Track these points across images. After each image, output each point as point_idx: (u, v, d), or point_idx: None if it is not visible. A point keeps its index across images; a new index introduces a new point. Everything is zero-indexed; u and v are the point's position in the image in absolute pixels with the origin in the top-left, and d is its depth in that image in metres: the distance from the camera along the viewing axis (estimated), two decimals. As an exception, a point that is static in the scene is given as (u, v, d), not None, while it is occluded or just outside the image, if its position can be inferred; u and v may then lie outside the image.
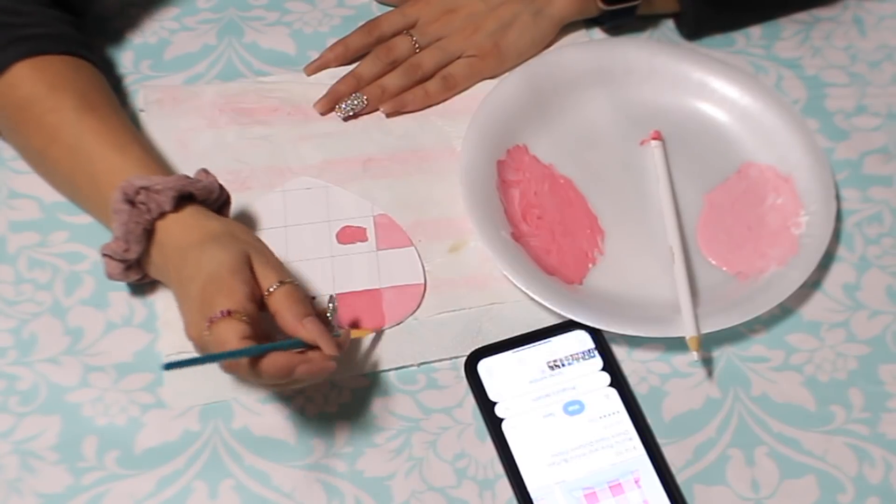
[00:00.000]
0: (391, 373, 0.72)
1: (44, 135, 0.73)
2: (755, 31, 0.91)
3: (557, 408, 0.70)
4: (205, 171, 0.72)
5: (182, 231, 0.68)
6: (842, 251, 0.79)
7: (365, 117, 0.83)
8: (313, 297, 0.74)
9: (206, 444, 0.69)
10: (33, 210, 0.78)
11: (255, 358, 0.62)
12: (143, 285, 0.74)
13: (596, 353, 0.72)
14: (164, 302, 0.74)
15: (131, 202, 0.68)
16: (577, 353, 0.72)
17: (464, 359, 0.72)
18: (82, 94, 0.74)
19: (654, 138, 0.82)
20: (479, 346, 0.73)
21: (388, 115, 0.83)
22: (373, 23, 0.86)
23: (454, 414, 0.71)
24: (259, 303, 0.65)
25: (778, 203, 0.80)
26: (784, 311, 0.76)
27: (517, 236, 0.77)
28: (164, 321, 0.73)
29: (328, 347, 0.64)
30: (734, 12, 0.89)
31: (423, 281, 0.76)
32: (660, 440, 0.70)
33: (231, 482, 0.67)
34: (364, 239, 0.77)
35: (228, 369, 0.64)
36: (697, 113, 0.84)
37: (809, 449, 0.70)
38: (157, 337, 0.73)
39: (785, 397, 0.72)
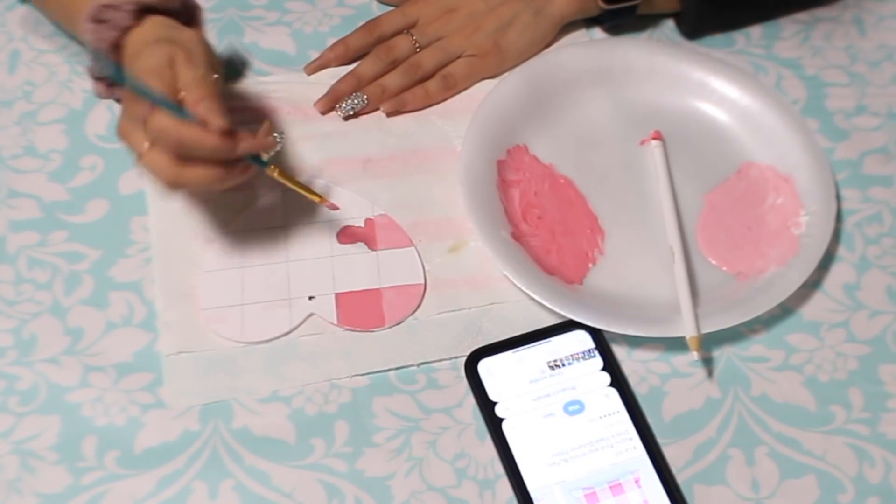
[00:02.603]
0: (391, 373, 0.72)
1: None
2: (755, 30, 0.91)
3: (557, 408, 0.70)
4: None
5: (137, 41, 0.71)
6: (842, 251, 0.79)
7: (365, 117, 0.83)
8: (311, 297, 0.74)
9: (206, 444, 0.69)
10: (33, 210, 0.78)
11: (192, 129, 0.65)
12: (142, 285, 0.74)
13: (596, 352, 0.72)
14: (164, 302, 0.74)
15: (98, 20, 0.71)
16: (577, 353, 0.72)
17: (464, 359, 0.72)
18: None
19: (654, 138, 0.82)
20: (479, 345, 0.73)
21: (389, 115, 0.83)
22: (373, 22, 0.86)
23: (454, 414, 0.71)
24: (176, 99, 0.67)
25: (778, 203, 0.80)
26: (784, 311, 0.76)
27: (517, 236, 0.77)
28: (164, 321, 0.73)
29: (212, 116, 0.65)
30: (734, 12, 0.89)
31: (423, 281, 0.76)
32: (660, 440, 0.70)
33: (231, 482, 0.68)
34: (364, 239, 0.77)
35: (168, 147, 0.65)
36: (697, 113, 0.84)
37: (809, 449, 0.70)
38: (157, 337, 0.73)
39: (785, 397, 0.72)
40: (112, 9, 0.71)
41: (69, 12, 0.76)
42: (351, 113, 0.82)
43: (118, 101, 0.77)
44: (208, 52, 0.72)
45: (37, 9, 0.84)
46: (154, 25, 0.72)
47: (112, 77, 0.73)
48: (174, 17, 0.74)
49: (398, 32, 0.85)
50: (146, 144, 0.66)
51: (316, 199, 0.74)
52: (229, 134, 0.66)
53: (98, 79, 0.76)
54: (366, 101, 0.82)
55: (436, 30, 0.85)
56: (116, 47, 0.72)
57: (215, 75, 0.70)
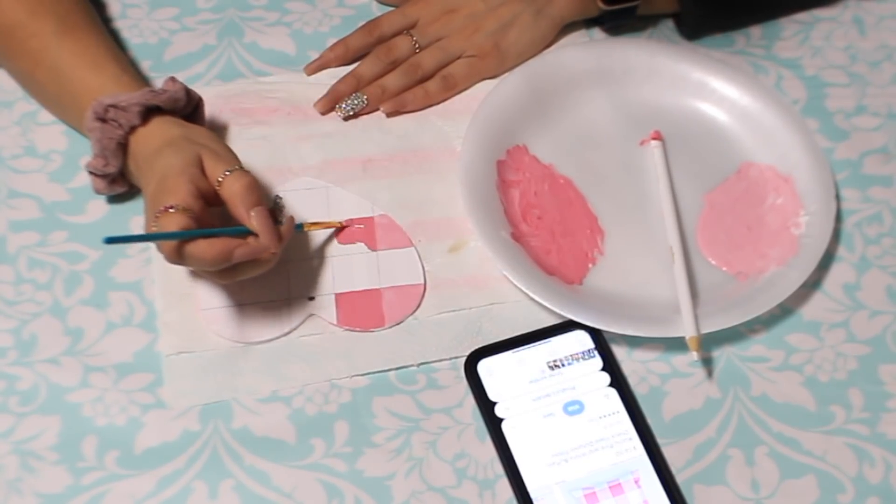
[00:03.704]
0: (391, 373, 0.72)
1: (29, 59, 0.77)
2: (755, 31, 0.90)
3: (557, 408, 0.70)
4: (172, 79, 0.75)
5: (148, 141, 0.72)
6: (842, 251, 0.79)
7: (365, 117, 0.83)
8: (311, 298, 0.74)
9: (206, 444, 0.69)
10: (33, 210, 0.78)
11: (198, 243, 0.65)
12: (142, 285, 0.74)
13: (596, 353, 0.72)
14: (164, 302, 0.74)
15: (103, 119, 0.72)
16: (576, 353, 0.72)
17: (464, 359, 0.72)
18: (62, 18, 0.77)
19: (653, 138, 0.82)
20: (479, 346, 0.73)
21: (389, 115, 0.83)
22: (373, 23, 0.86)
23: (454, 414, 0.71)
24: (209, 199, 0.69)
25: (778, 203, 0.80)
26: (784, 311, 0.76)
27: (517, 236, 0.77)
28: (164, 321, 0.73)
29: (267, 238, 0.68)
30: (734, 12, 0.89)
31: (422, 281, 0.76)
32: (660, 440, 0.70)
33: (231, 482, 0.68)
34: (364, 239, 0.77)
35: (169, 253, 0.66)
36: (697, 113, 0.84)
37: (809, 449, 0.70)
38: (157, 337, 0.73)
39: (785, 397, 0.72)
40: (118, 109, 0.72)
41: (69, 108, 0.76)
42: (351, 113, 0.83)
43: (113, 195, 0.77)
44: (226, 145, 0.73)
45: (31, 96, 0.82)
46: (162, 124, 0.73)
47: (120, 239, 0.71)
48: (178, 114, 0.75)
49: (398, 33, 0.85)
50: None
51: (337, 225, 0.77)
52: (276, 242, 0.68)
53: (97, 175, 0.74)
54: (366, 102, 0.82)
55: (436, 30, 0.85)
56: (122, 146, 0.73)
57: (241, 167, 0.70)
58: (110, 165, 0.73)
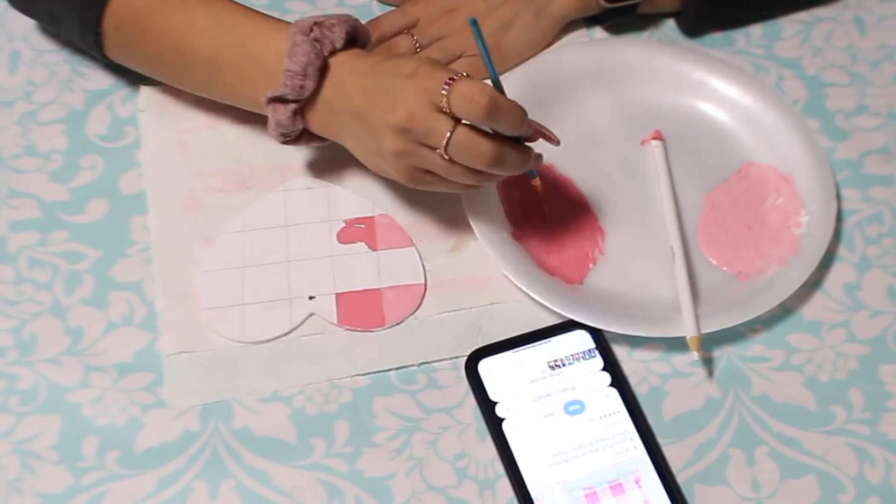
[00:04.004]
0: (391, 373, 0.72)
1: (176, 31, 0.74)
2: (755, 30, 0.90)
3: (558, 408, 0.70)
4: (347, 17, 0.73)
5: (354, 64, 0.70)
6: (842, 251, 0.79)
7: (365, 117, 0.83)
8: (312, 297, 0.74)
9: (206, 444, 0.69)
10: (33, 210, 0.78)
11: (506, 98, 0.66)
12: (142, 285, 0.74)
13: (596, 352, 0.72)
14: (164, 302, 0.74)
15: (313, 38, 0.70)
16: (577, 353, 0.72)
17: (464, 359, 0.72)
18: None
19: (654, 138, 0.82)
20: (480, 345, 0.73)
21: None
22: (374, 22, 0.85)
23: (454, 414, 0.71)
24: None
25: (778, 203, 0.80)
26: (784, 311, 0.76)
27: (518, 236, 0.77)
28: (165, 321, 0.73)
29: (547, 133, 0.71)
30: (734, 10, 0.89)
31: (423, 281, 0.76)
32: (660, 440, 0.70)
33: (231, 482, 0.67)
34: (364, 239, 0.77)
35: (491, 99, 0.64)
36: (698, 113, 0.84)
37: (810, 449, 0.70)
38: (158, 337, 0.73)
39: (785, 397, 0.72)
40: (322, 27, 0.71)
41: (232, 63, 0.73)
42: None
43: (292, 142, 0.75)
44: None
45: (166, 77, 0.79)
46: (361, 55, 0.72)
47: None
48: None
49: (399, 32, 0.85)
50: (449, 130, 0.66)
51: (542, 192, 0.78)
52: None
53: (286, 101, 0.71)
54: None
55: (437, 30, 0.85)
56: (321, 70, 0.70)
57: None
58: (307, 87, 0.70)
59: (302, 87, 0.70)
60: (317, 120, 0.73)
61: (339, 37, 0.71)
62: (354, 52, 0.72)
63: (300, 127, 0.73)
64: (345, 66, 0.71)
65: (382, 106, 0.68)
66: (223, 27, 0.74)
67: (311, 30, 0.70)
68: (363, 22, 0.85)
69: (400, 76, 0.68)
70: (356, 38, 0.73)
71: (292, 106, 0.71)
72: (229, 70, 0.74)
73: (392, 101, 0.68)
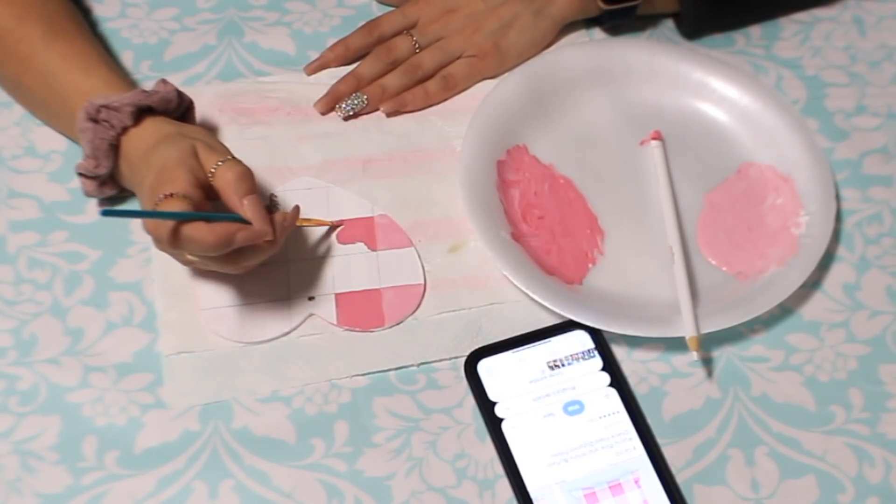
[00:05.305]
0: (391, 373, 0.72)
1: (17, 64, 0.77)
2: (755, 31, 0.90)
3: (557, 408, 0.70)
4: (163, 81, 0.75)
5: (141, 140, 0.72)
6: (842, 251, 0.79)
7: (365, 117, 0.83)
8: (311, 298, 0.74)
9: (206, 444, 0.69)
10: (33, 210, 0.78)
11: (198, 226, 0.65)
12: (142, 285, 0.74)
13: (596, 353, 0.72)
14: (164, 302, 0.74)
15: (95, 120, 0.72)
16: (576, 353, 0.72)
17: (464, 359, 0.72)
18: (49, 22, 0.77)
19: (653, 138, 0.82)
20: (479, 346, 0.73)
21: (389, 115, 0.83)
22: (373, 23, 0.86)
23: (454, 414, 0.71)
24: (205, 190, 0.68)
25: (778, 203, 0.80)
26: (784, 311, 0.76)
27: (517, 236, 0.77)
28: (164, 321, 0.73)
29: (260, 224, 0.67)
30: (734, 12, 0.89)
31: (422, 281, 0.76)
32: (660, 440, 0.70)
33: (231, 482, 0.68)
34: (364, 239, 0.77)
35: (167, 236, 0.65)
36: (697, 113, 0.84)
37: (809, 449, 0.70)
38: (157, 337, 0.73)
39: (785, 397, 0.72)
40: (109, 109, 0.72)
41: (59, 112, 0.76)
42: (351, 113, 0.82)
43: (105, 199, 0.77)
44: (218, 140, 0.74)
45: (18, 102, 0.81)
46: (155, 123, 0.73)
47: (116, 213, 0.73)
48: (170, 115, 0.75)
49: (398, 33, 0.85)
50: (190, 258, 0.68)
51: (327, 224, 0.76)
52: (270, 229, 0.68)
53: (87, 177, 0.74)
54: (366, 102, 0.82)
55: (436, 30, 0.85)
56: (113, 147, 0.72)
57: (232, 157, 0.70)
58: (101, 167, 0.73)
59: (97, 167, 0.73)
60: (124, 184, 0.76)
61: (125, 118, 0.71)
62: (144, 126, 0.72)
63: (110, 192, 0.76)
64: (132, 143, 0.72)
65: (141, 193, 0.70)
66: (52, 76, 0.75)
67: (99, 111, 0.71)
68: (363, 22, 0.86)
69: (148, 177, 0.69)
70: (151, 108, 0.73)
71: (96, 180, 0.74)
72: (59, 119, 0.77)
73: (143, 194, 0.70)
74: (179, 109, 0.76)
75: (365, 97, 0.83)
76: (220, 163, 0.69)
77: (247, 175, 0.69)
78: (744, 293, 0.75)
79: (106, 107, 0.72)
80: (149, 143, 0.71)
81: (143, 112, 0.73)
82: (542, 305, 0.73)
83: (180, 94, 0.76)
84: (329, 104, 0.83)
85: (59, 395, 0.70)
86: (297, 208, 0.72)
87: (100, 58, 0.77)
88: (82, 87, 0.74)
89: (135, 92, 0.73)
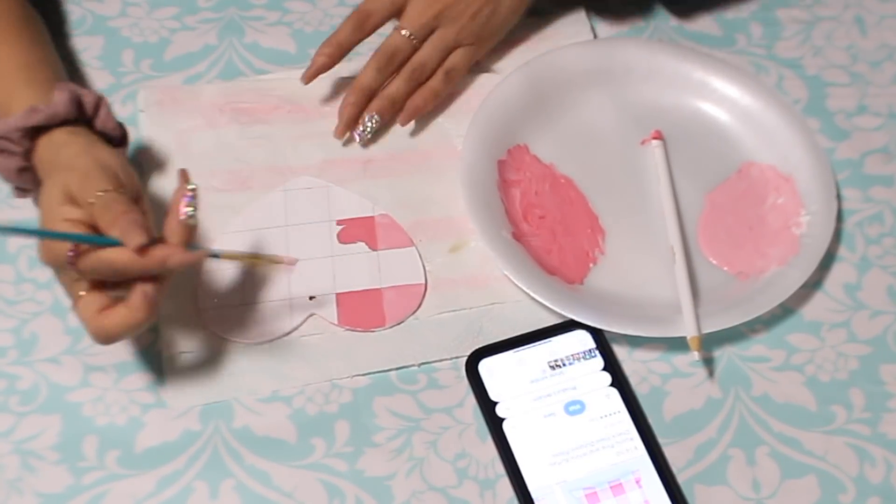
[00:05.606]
0: (391, 373, 0.72)
1: None
2: (756, 30, 0.90)
3: (558, 407, 0.70)
4: (58, 88, 0.71)
5: (41, 162, 0.70)
6: (843, 251, 0.79)
7: (364, 117, 0.83)
8: (312, 297, 0.74)
9: (206, 444, 0.69)
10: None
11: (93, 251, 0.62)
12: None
13: (597, 352, 0.72)
14: (163, 302, 0.73)
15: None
16: (577, 353, 0.72)
17: (464, 358, 0.72)
18: None
19: (654, 138, 0.82)
20: (480, 345, 0.73)
21: (404, 125, 0.82)
22: (362, 14, 0.82)
23: (455, 414, 0.71)
24: (91, 224, 0.64)
25: (779, 203, 0.80)
26: (785, 311, 0.76)
27: (518, 236, 0.77)
28: (164, 321, 0.73)
29: (130, 236, 0.62)
30: None
31: (423, 281, 0.76)
32: (661, 440, 0.70)
33: (231, 482, 0.67)
34: (364, 239, 0.77)
35: (61, 257, 0.63)
36: (698, 112, 0.84)
37: (810, 449, 0.70)
38: (157, 337, 0.73)
39: (786, 397, 0.72)
40: (4, 139, 0.69)
41: None
42: (369, 137, 0.81)
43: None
44: (106, 156, 0.68)
45: None
46: (50, 144, 0.70)
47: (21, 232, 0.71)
48: (71, 123, 0.71)
49: (388, 19, 0.83)
50: (82, 292, 0.64)
51: (273, 263, 0.72)
52: (150, 244, 0.63)
53: (28, 189, 0.73)
54: (379, 120, 0.81)
55: (428, 20, 0.82)
56: (26, 170, 0.71)
57: (103, 193, 0.65)
58: (26, 186, 0.72)
59: (20, 188, 0.73)
60: None
61: (18, 143, 0.69)
62: (42, 144, 0.70)
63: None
64: (42, 162, 0.69)
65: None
66: None
67: None
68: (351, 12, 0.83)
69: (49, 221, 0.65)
70: (57, 119, 0.70)
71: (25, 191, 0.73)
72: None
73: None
74: (83, 117, 0.72)
75: (376, 116, 0.81)
76: (92, 199, 0.64)
77: (112, 199, 0.64)
78: (745, 293, 0.75)
79: (2, 138, 0.69)
80: (43, 168, 0.69)
81: (37, 131, 0.70)
82: (543, 305, 0.73)
83: (78, 101, 0.71)
84: (345, 130, 0.81)
85: (59, 394, 0.70)
86: (203, 252, 0.67)
87: (18, 71, 0.73)
88: (20, 99, 0.71)
89: (20, 115, 0.69)
